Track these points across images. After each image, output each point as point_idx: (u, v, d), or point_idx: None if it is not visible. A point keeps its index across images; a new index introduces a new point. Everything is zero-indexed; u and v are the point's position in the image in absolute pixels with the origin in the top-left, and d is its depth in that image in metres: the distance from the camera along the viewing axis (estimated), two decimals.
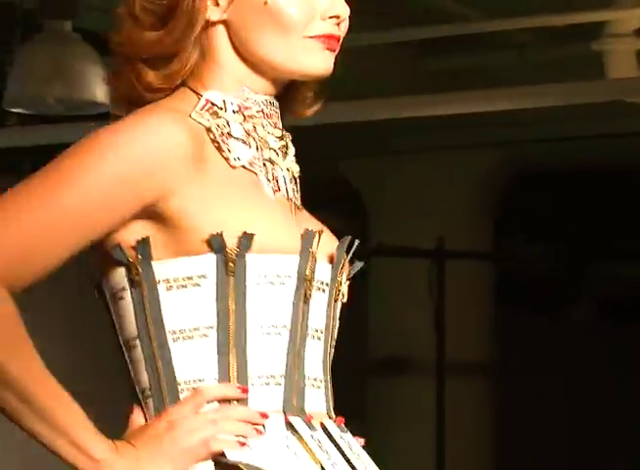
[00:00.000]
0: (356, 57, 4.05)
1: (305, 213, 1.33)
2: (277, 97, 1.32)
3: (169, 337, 1.23)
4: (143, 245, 1.21)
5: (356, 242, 1.32)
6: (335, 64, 1.32)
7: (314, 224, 1.30)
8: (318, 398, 1.30)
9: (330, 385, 1.32)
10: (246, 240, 1.21)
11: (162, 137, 1.21)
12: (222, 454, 1.20)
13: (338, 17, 1.29)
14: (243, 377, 1.24)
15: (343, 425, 1.31)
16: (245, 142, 1.28)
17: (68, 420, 1.18)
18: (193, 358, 1.23)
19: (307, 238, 1.26)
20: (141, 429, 1.22)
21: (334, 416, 1.31)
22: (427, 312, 5.52)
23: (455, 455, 5.53)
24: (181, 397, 1.22)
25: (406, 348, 5.74)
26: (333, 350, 1.34)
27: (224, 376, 1.23)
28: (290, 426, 1.24)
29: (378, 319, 5.95)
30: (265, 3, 1.29)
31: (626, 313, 7.96)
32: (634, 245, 6.46)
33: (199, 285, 1.23)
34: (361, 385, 5.95)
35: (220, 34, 1.33)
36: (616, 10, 4.27)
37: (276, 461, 1.25)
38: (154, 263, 1.22)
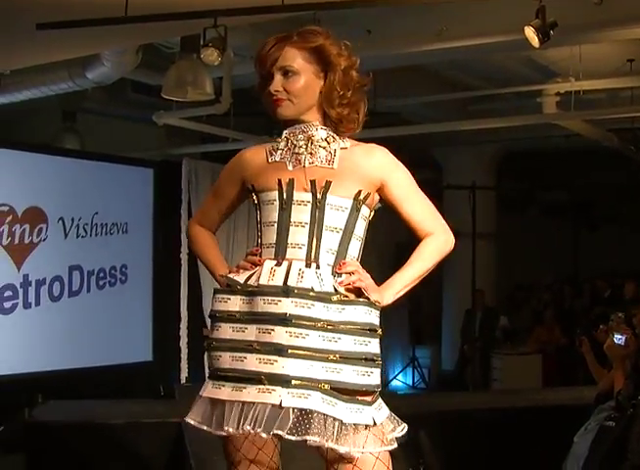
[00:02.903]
0: None
1: (323, 170, 2.16)
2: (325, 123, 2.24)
3: (262, 225, 2.26)
4: (253, 189, 2.25)
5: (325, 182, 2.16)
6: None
7: (320, 175, 2.15)
8: (297, 253, 2.15)
9: (315, 248, 2.13)
10: (270, 186, 2.21)
11: (238, 155, 2.33)
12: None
13: (270, 93, 2.19)
14: (260, 244, 2.25)
15: (315, 265, 2.13)
16: (282, 149, 2.23)
17: (211, 263, 2.38)
18: (262, 234, 2.26)
19: (289, 183, 2.15)
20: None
21: (311, 261, 2.13)
22: None
23: None
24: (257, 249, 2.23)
25: None
26: (325, 232, 2.15)
27: (258, 244, 2.26)
28: (265, 263, 2.18)
29: None
30: None
31: None
32: None
33: (273, 204, 2.21)
34: None
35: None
36: (546, 83, 7.58)
37: (242, 276, 2.21)
38: (259, 194, 2.26)
